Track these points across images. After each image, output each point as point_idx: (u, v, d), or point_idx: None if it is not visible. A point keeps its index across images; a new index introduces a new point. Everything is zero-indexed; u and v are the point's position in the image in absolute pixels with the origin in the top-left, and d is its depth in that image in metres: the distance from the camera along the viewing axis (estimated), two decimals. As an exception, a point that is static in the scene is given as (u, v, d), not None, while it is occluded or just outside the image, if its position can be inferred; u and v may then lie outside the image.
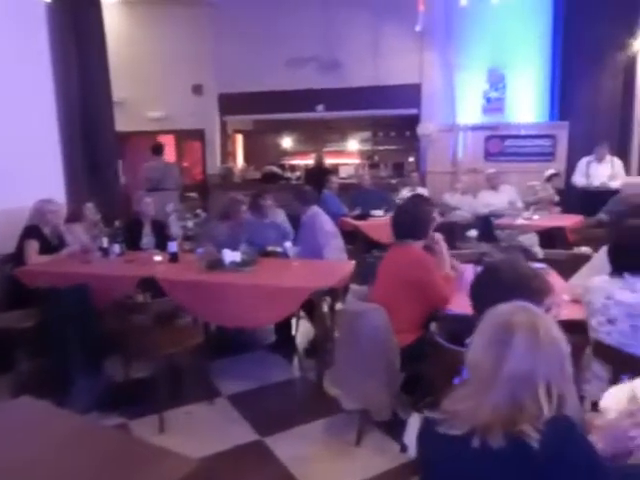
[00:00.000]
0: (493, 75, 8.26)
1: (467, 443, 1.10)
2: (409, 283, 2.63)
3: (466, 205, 6.91)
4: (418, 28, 7.82)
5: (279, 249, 4.38)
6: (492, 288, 1.48)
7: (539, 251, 3.05)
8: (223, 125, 9.73)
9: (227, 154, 10.01)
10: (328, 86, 8.78)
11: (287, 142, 11.34)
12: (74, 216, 4.43)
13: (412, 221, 2.80)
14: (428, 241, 2.92)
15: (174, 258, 3.91)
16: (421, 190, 7.67)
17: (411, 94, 8.61)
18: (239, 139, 10.95)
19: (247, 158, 10.93)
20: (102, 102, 6.72)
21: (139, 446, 1.68)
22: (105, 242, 4.04)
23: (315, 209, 4.36)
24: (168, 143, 9.21)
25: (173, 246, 3.92)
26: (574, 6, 7.67)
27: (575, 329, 2.39)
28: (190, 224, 3.77)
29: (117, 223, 4.31)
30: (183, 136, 9.82)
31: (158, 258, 3.94)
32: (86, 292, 3.38)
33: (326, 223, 4.27)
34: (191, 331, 3.42)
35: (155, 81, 9.17)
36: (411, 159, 9.95)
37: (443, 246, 3.00)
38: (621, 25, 7.42)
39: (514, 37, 8.03)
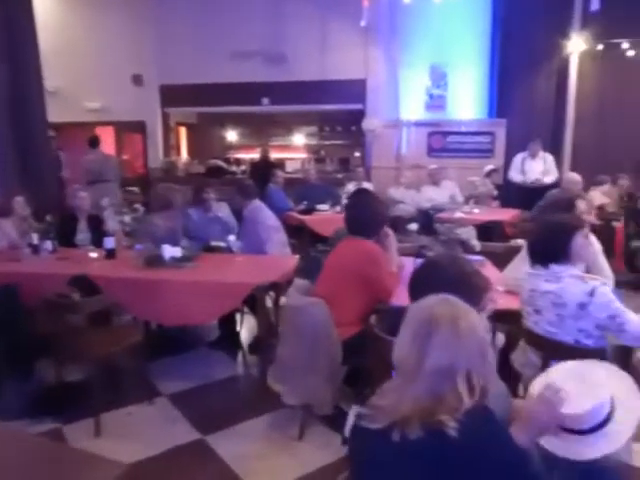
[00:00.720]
0: (435, 72, 8.45)
1: (388, 437, 1.10)
2: (358, 276, 2.64)
3: (409, 199, 7.05)
4: (363, 23, 7.88)
5: (222, 244, 4.30)
6: (431, 283, 1.49)
7: (476, 244, 3.14)
8: (165, 117, 9.46)
9: (170, 147, 9.75)
10: (274, 79, 8.71)
11: (232, 136, 11.18)
12: (2, 211, 4.18)
13: (368, 218, 2.81)
14: (380, 236, 2.93)
15: (111, 255, 3.76)
16: (366, 185, 7.77)
17: (356, 89, 8.67)
18: (183, 132, 10.69)
19: (191, 152, 10.70)
20: (33, 91, 6.37)
21: (66, 452, 1.61)
22: (35, 238, 3.83)
23: (257, 203, 4.31)
24: (107, 135, 8.87)
25: (110, 242, 3.76)
26: (511, 10, 7.96)
27: (510, 319, 2.49)
28: (127, 219, 3.62)
29: (49, 218, 4.09)
30: (123, 128, 9.48)
31: (93, 255, 3.77)
32: (15, 291, 3.20)
33: (268, 217, 4.23)
34: (128, 330, 3.30)
35: (92, 70, 8.79)
36: (357, 154, 10.04)
37: (393, 241, 3.03)
38: (555, 29, 7.77)
39: (456, 36, 8.24)
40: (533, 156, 7.09)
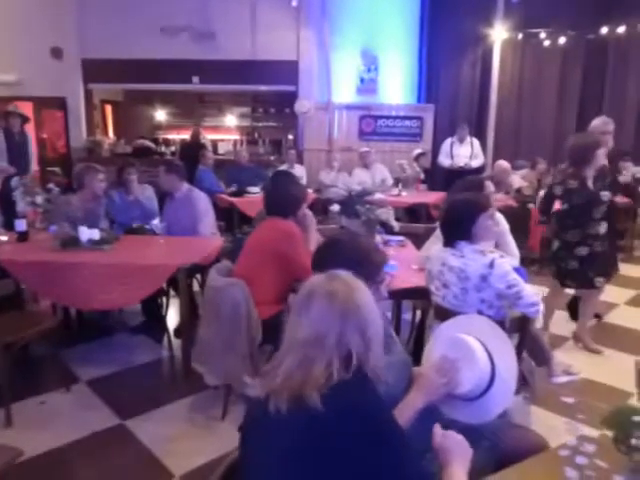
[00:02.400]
0: (366, 56, 8.53)
1: (266, 407, 1.12)
2: (275, 255, 2.65)
3: (341, 182, 7.13)
4: (294, 3, 7.83)
5: (147, 226, 4.19)
6: (330, 259, 1.53)
7: (395, 224, 3.25)
8: (88, 94, 8.97)
9: (94, 126, 9.28)
10: (204, 57, 8.47)
11: (161, 115, 10.80)
12: None
13: (283, 199, 2.82)
14: (298, 217, 2.96)
15: (23, 237, 3.56)
16: (298, 167, 7.80)
17: (289, 71, 8.60)
18: (108, 110, 10.20)
19: (117, 131, 10.24)
20: None
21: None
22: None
23: (188, 185, 4.20)
24: (25, 111, 8.31)
25: (21, 224, 3.56)
26: (438, 1, 8.17)
27: (423, 295, 2.60)
28: (39, 199, 3.44)
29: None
30: (41, 104, 8.88)
31: (3, 238, 3.57)
32: None
33: (200, 200, 4.14)
34: (40, 316, 3.16)
35: (4, 40, 8.17)
36: (291, 136, 10.01)
37: (311, 222, 3.07)
38: (479, 18, 8.04)
39: (386, 21, 8.34)
40: (461, 141, 7.35)
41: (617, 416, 0.84)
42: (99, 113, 9.62)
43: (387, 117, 8.46)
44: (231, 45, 8.40)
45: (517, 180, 6.79)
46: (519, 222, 6.11)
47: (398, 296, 2.78)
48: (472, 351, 1.45)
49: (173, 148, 9.69)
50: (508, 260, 3.14)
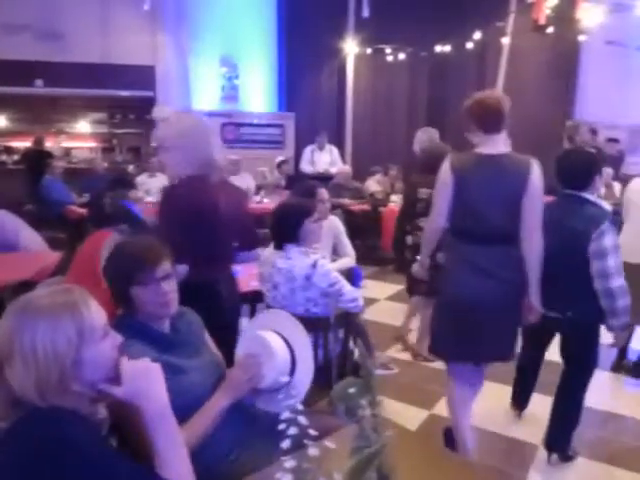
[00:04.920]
0: (227, 64, 8.53)
1: None
2: (93, 265, 2.54)
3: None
4: (146, 7, 7.61)
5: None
6: (116, 263, 1.56)
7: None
8: None
9: None
10: (49, 59, 7.85)
11: (1, 121, 9.80)
12: None
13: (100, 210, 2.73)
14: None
15: None
16: (160, 176, 7.54)
17: (146, 75, 8.30)
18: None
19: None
20: None
21: None
22: None
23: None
24: None
25: None
26: (294, 9, 8.43)
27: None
28: None
29: None
30: None
31: None
32: None
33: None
34: None
35: None
36: (153, 144, 9.65)
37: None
38: (333, 31, 8.43)
39: (245, 29, 8.42)
40: (321, 148, 7.65)
41: (341, 391, 0.95)
42: None
43: (250, 125, 8.53)
44: (80, 47, 7.89)
45: (372, 185, 7.25)
46: (372, 224, 6.55)
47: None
48: (270, 345, 1.53)
49: (16, 157, 8.83)
50: (348, 260, 3.35)
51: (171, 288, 1.51)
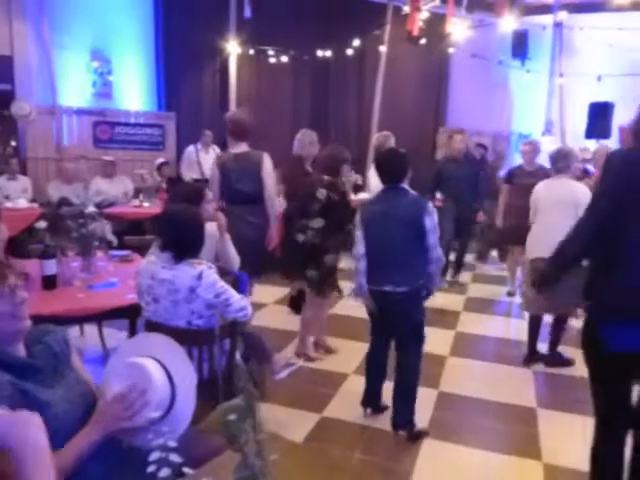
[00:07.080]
0: (99, 57, 7.91)
1: None
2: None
3: (73, 194, 6.45)
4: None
5: None
6: None
7: (113, 238, 3.03)
8: None
9: None
10: None
11: None
12: None
13: None
14: None
15: None
16: (22, 179, 6.83)
17: (2, 67, 7.43)
18: None
19: None
20: None
21: None
22: None
23: None
24: None
25: None
26: (172, 6, 8.07)
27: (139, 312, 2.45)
28: None
29: None
30: None
31: None
32: None
33: None
34: None
35: None
36: (14, 143, 8.68)
37: None
38: (214, 31, 8.19)
39: (119, 23, 7.88)
40: (206, 148, 7.38)
41: (220, 418, 0.87)
42: None
43: (126, 124, 7.99)
44: None
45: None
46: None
47: (111, 316, 2.59)
48: (151, 376, 1.38)
49: None
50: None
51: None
